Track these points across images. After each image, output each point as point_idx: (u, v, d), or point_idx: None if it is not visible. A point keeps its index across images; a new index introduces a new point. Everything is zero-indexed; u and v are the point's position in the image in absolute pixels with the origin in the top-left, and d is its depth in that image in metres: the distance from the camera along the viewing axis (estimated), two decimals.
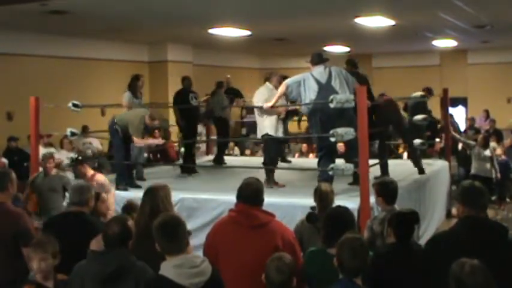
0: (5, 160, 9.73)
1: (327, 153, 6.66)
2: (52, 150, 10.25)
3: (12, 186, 4.35)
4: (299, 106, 7.28)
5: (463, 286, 2.66)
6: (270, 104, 7.07)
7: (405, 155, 12.18)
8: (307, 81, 6.64)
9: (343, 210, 3.75)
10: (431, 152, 11.91)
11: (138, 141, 7.35)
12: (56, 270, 3.55)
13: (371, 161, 6.42)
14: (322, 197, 4.79)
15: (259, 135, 7.53)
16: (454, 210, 8.72)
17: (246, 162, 9.85)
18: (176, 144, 11.97)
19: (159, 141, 8.61)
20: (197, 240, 4.86)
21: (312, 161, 9.83)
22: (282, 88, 6.89)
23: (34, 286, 3.47)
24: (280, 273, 3.03)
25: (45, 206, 6.77)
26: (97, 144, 11.42)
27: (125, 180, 7.52)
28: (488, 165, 10.07)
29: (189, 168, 8.82)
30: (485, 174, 9.93)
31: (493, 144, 11.41)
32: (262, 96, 7.35)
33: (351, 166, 6.25)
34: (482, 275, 2.66)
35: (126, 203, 5.10)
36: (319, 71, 6.65)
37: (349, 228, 3.43)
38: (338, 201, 4.79)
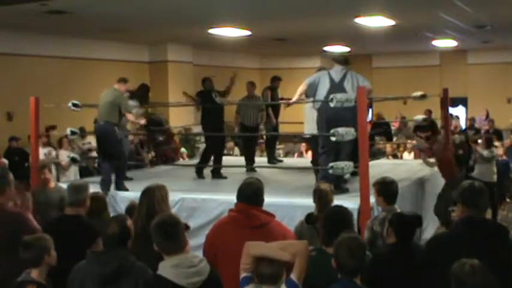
0: (5, 160, 9.74)
1: (327, 152, 6.68)
2: (50, 149, 10.27)
3: (11, 188, 4.34)
4: (308, 102, 7.23)
5: (464, 286, 2.66)
6: (291, 101, 7.35)
7: (405, 155, 12.20)
8: (322, 78, 6.76)
9: (342, 209, 3.74)
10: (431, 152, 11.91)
11: (130, 117, 7.65)
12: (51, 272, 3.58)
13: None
14: (322, 197, 4.80)
15: (309, 131, 7.45)
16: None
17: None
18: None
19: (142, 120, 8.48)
20: (197, 240, 4.87)
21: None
22: (302, 87, 6.96)
23: (35, 286, 3.47)
24: (270, 264, 3.02)
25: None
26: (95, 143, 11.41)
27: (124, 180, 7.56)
28: (491, 168, 9.58)
29: (217, 172, 8.33)
30: (487, 178, 9.31)
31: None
32: None
33: (350, 164, 6.26)
34: (483, 275, 2.66)
35: (129, 204, 5.09)
36: (336, 70, 6.76)
37: (348, 227, 3.43)
38: (338, 201, 4.79)
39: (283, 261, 3.05)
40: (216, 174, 8.28)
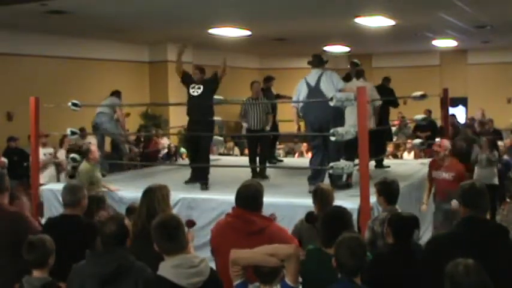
0: (4, 159, 9.74)
1: (316, 152, 6.95)
2: (50, 150, 10.27)
3: (9, 188, 4.34)
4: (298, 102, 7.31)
5: (458, 286, 2.65)
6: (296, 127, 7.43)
7: (405, 155, 12.20)
8: (300, 87, 6.95)
9: (342, 210, 3.73)
10: (431, 152, 11.90)
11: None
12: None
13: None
14: (323, 197, 4.78)
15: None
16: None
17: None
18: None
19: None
20: (197, 240, 4.86)
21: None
22: (292, 110, 7.24)
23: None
24: None
25: None
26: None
27: None
28: (493, 171, 9.15)
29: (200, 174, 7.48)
30: (490, 181, 8.86)
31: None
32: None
33: (350, 164, 6.28)
34: (477, 274, 2.64)
35: (129, 205, 5.09)
36: (312, 75, 6.90)
37: (347, 228, 3.42)
38: (338, 201, 4.79)
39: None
40: (204, 177, 7.43)
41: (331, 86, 6.67)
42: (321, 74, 6.81)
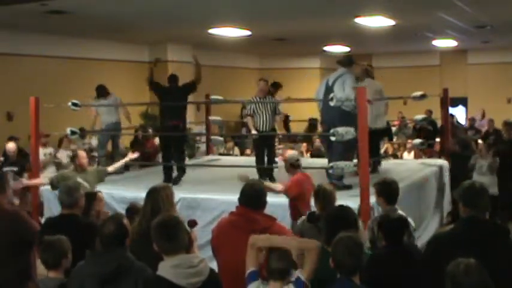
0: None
1: (329, 148, 7.03)
2: (50, 150, 10.27)
3: (9, 188, 4.35)
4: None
5: (459, 286, 2.66)
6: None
7: (405, 154, 12.20)
8: (322, 84, 7.16)
9: (345, 209, 3.74)
10: (431, 152, 11.90)
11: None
12: None
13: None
14: (325, 197, 4.76)
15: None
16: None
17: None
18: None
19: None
20: (198, 240, 4.85)
21: (312, 160, 9.83)
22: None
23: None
24: (280, 259, 3.06)
25: None
26: (96, 143, 11.40)
27: None
28: (494, 179, 8.50)
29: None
30: (492, 190, 7.89)
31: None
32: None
33: (350, 164, 6.29)
34: (478, 274, 2.65)
35: (129, 205, 5.10)
36: (334, 74, 7.04)
37: (351, 227, 3.43)
38: (338, 201, 4.79)
39: (292, 258, 3.07)
40: (182, 173, 7.83)
41: (341, 87, 6.73)
42: (340, 74, 6.90)
